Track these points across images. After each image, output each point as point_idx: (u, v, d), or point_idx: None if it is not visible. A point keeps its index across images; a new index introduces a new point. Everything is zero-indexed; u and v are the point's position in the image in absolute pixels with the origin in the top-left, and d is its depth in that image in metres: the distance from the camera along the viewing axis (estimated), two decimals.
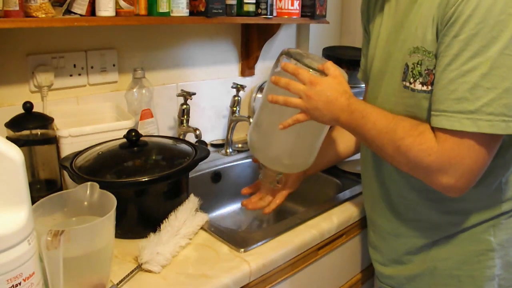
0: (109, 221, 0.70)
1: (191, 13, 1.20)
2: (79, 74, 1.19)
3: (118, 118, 1.17)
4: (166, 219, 0.88)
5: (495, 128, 0.68)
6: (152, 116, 1.23)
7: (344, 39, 1.93)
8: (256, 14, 1.35)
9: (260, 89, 1.61)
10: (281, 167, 1.03)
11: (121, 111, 1.18)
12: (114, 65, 1.25)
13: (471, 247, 0.84)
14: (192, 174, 1.07)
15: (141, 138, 0.97)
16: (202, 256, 0.86)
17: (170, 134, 1.39)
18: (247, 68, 1.60)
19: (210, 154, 1.03)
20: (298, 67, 0.88)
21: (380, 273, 1.00)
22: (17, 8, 0.88)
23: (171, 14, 1.15)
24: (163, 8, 1.12)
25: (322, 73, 0.87)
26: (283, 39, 1.70)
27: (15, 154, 0.57)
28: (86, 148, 0.99)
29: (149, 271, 0.79)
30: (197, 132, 1.26)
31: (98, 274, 0.72)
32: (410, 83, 0.79)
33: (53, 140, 1.00)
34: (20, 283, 0.57)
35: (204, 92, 1.47)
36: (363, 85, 1.46)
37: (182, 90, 1.31)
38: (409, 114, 0.80)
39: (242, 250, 0.87)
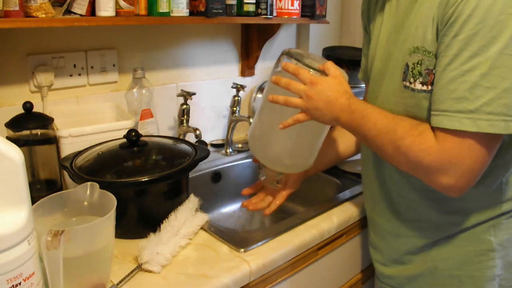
0: (109, 221, 0.70)
1: (191, 13, 1.20)
2: (79, 74, 1.19)
3: (118, 118, 1.17)
4: (166, 219, 0.88)
5: (495, 128, 0.68)
6: (152, 116, 1.23)
7: (344, 39, 1.93)
8: (256, 14, 1.35)
9: (260, 89, 1.60)
10: (282, 167, 1.03)
11: (121, 111, 1.18)
12: (114, 65, 1.25)
13: (472, 247, 0.84)
14: (192, 174, 1.07)
15: (141, 138, 0.97)
16: (202, 256, 0.86)
17: (170, 134, 1.39)
18: (247, 68, 1.59)
19: (210, 154, 1.03)
20: (299, 67, 0.88)
21: (381, 273, 1.00)
22: (17, 8, 0.88)
23: (171, 14, 1.15)
24: (163, 8, 1.11)
25: (323, 73, 0.87)
26: (283, 39, 1.70)
27: (15, 154, 0.57)
28: (86, 148, 0.99)
29: (149, 271, 0.79)
30: (197, 132, 1.26)
31: (98, 274, 0.72)
32: (410, 83, 0.79)
33: (53, 140, 1.00)
34: (20, 283, 0.57)
35: (204, 92, 1.47)
36: (363, 85, 1.46)
37: (182, 90, 1.31)
38: (409, 114, 0.80)
39: (242, 250, 0.87)
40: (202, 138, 1.27)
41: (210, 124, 1.53)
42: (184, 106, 1.31)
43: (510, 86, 0.67)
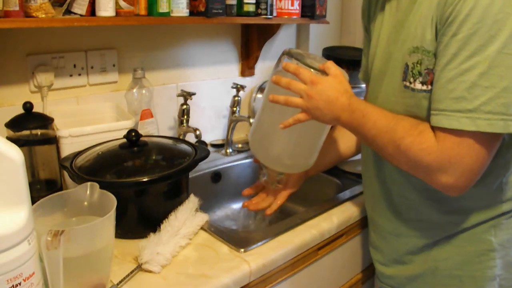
0: (109, 221, 0.70)
1: (191, 13, 1.20)
2: (79, 74, 1.19)
3: (118, 118, 1.17)
4: (166, 219, 0.88)
5: (494, 127, 0.68)
6: (152, 116, 1.23)
7: (344, 39, 1.93)
8: (256, 14, 1.35)
9: (260, 89, 1.60)
10: (282, 167, 1.03)
11: (121, 111, 1.18)
12: (114, 65, 1.25)
13: (472, 247, 0.84)
14: (192, 174, 1.07)
15: (141, 138, 0.97)
16: (202, 256, 0.86)
17: (170, 134, 1.39)
18: (247, 68, 1.59)
19: (210, 154, 1.03)
20: (299, 66, 0.88)
21: (381, 273, 1.00)
22: (17, 8, 0.88)
23: (171, 14, 1.15)
24: (163, 8, 1.11)
25: (323, 72, 0.87)
26: (283, 39, 1.70)
27: (15, 154, 0.57)
28: (86, 148, 0.99)
29: (149, 271, 0.79)
30: (197, 132, 1.26)
31: (98, 274, 0.72)
32: (410, 83, 0.79)
33: (53, 140, 1.00)
34: (20, 283, 0.57)
35: (204, 92, 1.47)
36: (363, 85, 1.46)
37: (182, 90, 1.31)
38: (409, 113, 0.80)
39: (242, 250, 0.87)
40: (202, 138, 1.27)
41: (210, 124, 1.53)
42: (184, 106, 1.31)
43: (509, 85, 0.67)
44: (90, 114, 1.17)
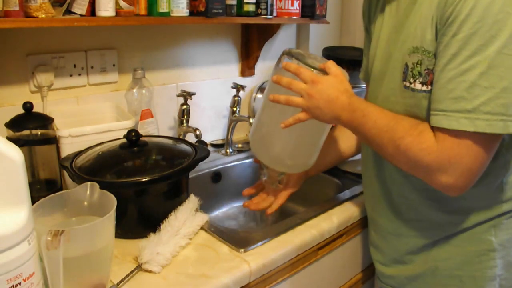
0: (109, 221, 0.70)
1: (191, 13, 1.20)
2: (79, 74, 1.19)
3: (118, 118, 1.17)
4: (166, 219, 0.88)
5: (493, 128, 0.68)
6: (152, 116, 1.23)
7: (344, 39, 1.93)
8: (256, 14, 1.34)
9: (260, 89, 1.60)
10: (283, 167, 1.03)
11: (121, 111, 1.18)
12: (114, 65, 1.24)
13: (472, 247, 0.84)
14: (192, 174, 1.07)
15: (141, 138, 0.97)
16: (202, 256, 0.86)
17: (170, 134, 1.39)
18: (247, 68, 1.59)
19: (210, 154, 1.03)
20: (300, 66, 0.88)
21: (381, 273, 1.00)
22: (17, 8, 0.88)
23: (171, 14, 1.15)
24: (163, 8, 1.11)
25: (324, 72, 0.87)
26: (283, 39, 1.70)
27: (15, 154, 0.57)
28: (86, 148, 0.99)
29: (149, 271, 0.79)
30: (197, 132, 1.26)
31: (98, 274, 0.72)
32: (410, 83, 0.79)
33: (53, 140, 1.00)
34: (20, 283, 0.57)
35: (204, 92, 1.47)
36: (363, 85, 1.46)
37: (182, 90, 1.31)
38: (409, 113, 0.80)
39: (242, 250, 0.87)
40: (202, 138, 1.27)
41: (210, 124, 1.53)
42: (184, 106, 1.31)
43: (508, 85, 0.67)
44: (90, 114, 1.17)
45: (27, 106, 0.98)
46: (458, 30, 0.69)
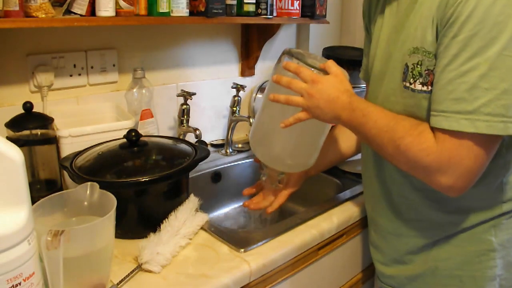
0: (109, 221, 0.70)
1: (191, 13, 1.20)
2: (79, 74, 1.19)
3: (118, 118, 1.17)
4: (166, 219, 0.88)
5: (493, 129, 0.68)
6: (152, 116, 1.23)
7: (344, 39, 1.93)
8: (256, 14, 1.34)
9: (260, 89, 1.60)
10: (283, 166, 1.03)
11: (121, 111, 1.18)
12: (114, 65, 1.24)
13: (472, 247, 0.84)
14: (192, 174, 1.07)
15: (141, 138, 0.97)
16: (202, 256, 0.86)
17: (170, 134, 1.39)
18: (247, 68, 1.59)
19: (210, 154, 1.03)
20: (300, 66, 0.88)
21: (381, 273, 1.00)
22: (17, 8, 0.88)
23: (171, 14, 1.15)
24: (163, 8, 1.11)
25: (324, 72, 0.87)
26: (283, 39, 1.70)
27: (15, 154, 0.57)
28: (86, 148, 0.99)
29: (149, 271, 0.79)
30: (197, 132, 1.26)
31: (98, 274, 0.72)
32: (410, 84, 0.79)
33: (53, 140, 1.00)
34: (20, 283, 0.57)
35: (204, 92, 1.47)
36: (363, 85, 1.46)
37: (182, 90, 1.31)
38: (409, 114, 0.80)
39: (242, 250, 0.87)
40: (202, 138, 1.27)
41: (210, 124, 1.53)
42: (184, 106, 1.31)
43: (509, 87, 0.67)
44: (90, 114, 1.17)
45: (27, 106, 0.98)
46: (459, 31, 0.69)
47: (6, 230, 0.55)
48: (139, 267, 0.79)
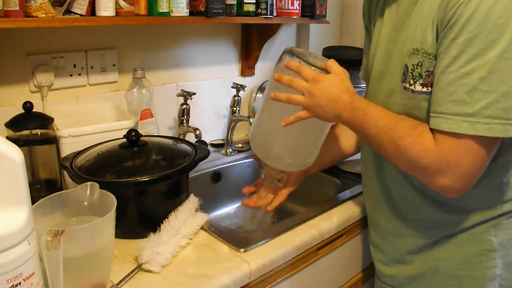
0: (109, 221, 0.70)
1: (191, 13, 1.20)
2: (79, 74, 1.19)
3: (118, 118, 1.17)
4: (166, 219, 0.88)
5: (493, 131, 0.68)
6: (152, 116, 1.23)
7: (344, 39, 1.93)
8: (256, 14, 1.34)
9: (260, 89, 1.60)
10: (283, 165, 1.03)
11: (121, 111, 1.18)
12: (114, 65, 1.24)
13: (473, 247, 0.84)
14: (192, 174, 1.07)
15: (141, 138, 0.97)
16: (202, 256, 0.86)
17: (170, 134, 1.39)
18: (247, 68, 1.59)
19: (210, 154, 1.03)
20: (301, 64, 0.88)
21: (382, 273, 1.00)
22: (17, 8, 0.88)
23: (171, 14, 1.15)
24: (163, 8, 1.11)
25: (325, 71, 0.87)
26: (283, 39, 1.70)
27: (15, 154, 0.57)
28: (86, 148, 0.99)
29: (149, 271, 0.79)
30: (197, 132, 1.26)
31: (98, 274, 0.72)
32: (410, 85, 0.79)
33: (53, 140, 1.00)
34: (20, 283, 0.57)
35: (204, 92, 1.47)
36: (363, 85, 1.46)
37: (182, 90, 1.31)
38: (409, 115, 0.80)
39: (242, 250, 0.87)
40: (202, 138, 1.27)
41: (210, 124, 1.53)
42: (184, 106, 1.31)
43: (509, 90, 0.67)
44: (90, 114, 1.17)
45: (27, 106, 0.98)
46: (459, 33, 0.69)
47: (6, 230, 0.55)
48: (139, 267, 0.79)
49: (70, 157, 0.94)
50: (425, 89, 0.77)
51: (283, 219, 1.02)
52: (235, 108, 1.42)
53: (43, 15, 0.92)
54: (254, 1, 1.33)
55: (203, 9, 1.18)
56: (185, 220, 0.90)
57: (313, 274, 1.02)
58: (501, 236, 0.83)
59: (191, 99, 1.31)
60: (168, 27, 1.34)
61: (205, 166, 1.33)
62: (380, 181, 0.93)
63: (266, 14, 1.36)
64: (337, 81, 0.85)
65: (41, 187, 1.02)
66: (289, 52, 0.93)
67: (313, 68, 0.88)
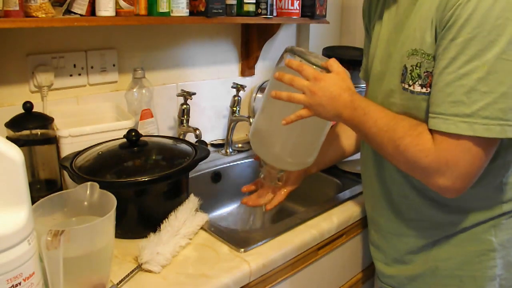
0: (109, 221, 0.70)
1: (191, 13, 1.20)
2: (79, 74, 1.19)
3: (118, 118, 1.17)
4: (166, 219, 0.88)
5: (491, 132, 0.68)
6: (152, 116, 1.23)
7: (344, 39, 1.93)
8: (256, 14, 1.35)
9: (260, 89, 1.61)
10: (283, 164, 1.03)
11: (121, 111, 1.18)
12: (114, 65, 1.24)
13: (472, 247, 0.84)
14: (192, 174, 1.07)
15: (141, 138, 0.97)
16: (202, 256, 0.86)
17: (170, 134, 1.39)
18: (247, 68, 1.59)
19: (210, 154, 1.03)
20: (302, 63, 0.88)
21: (382, 273, 1.00)
22: (17, 8, 0.88)
23: (171, 14, 1.15)
24: (163, 8, 1.11)
25: (326, 70, 0.87)
26: (283, 39, 1.70)
27: (15, 154, 0.57)
28: (86, 148, 0.99)
29: (149, 271, 0.79)
30: (197, 132, 1.26)
31: (98, 274, 0.72)
32: (409, 85, 0.79)
33: (53, 140, 1.00)
34: (20, 283, 0.57)
35: (204, 92, 1.47)
36: (363, 85, 1.46)
37: (182, 90, 1.31)
38: (408, 115, 0.80)
39: (242, 250, 0.87)
40: (202, 138, 1.27)
41: (210, 124, 1.53)
42: (184, 106, 1.31)
43: (507, 91, 0.67)
44: (90, 114, 1.17)
45: (27, 106, 0.98)
46: (457, 34, 0.69)
47: (6, 230, 0.55)
48: (139, 267, 0.79)
49: (70, 157, 0.94)
50: (424, 90, 0.77)
51: (283, 219, 1.01)
52: (235, 108, 1.42)
53: (43, 15, 0.92)
54: (254, 1, 1.33)
55: (203, 9, 1.18)
56: (185, 220, 0.90)
57: (313, 274, 1.02)
58: (501, 236, 0.83)
59: (191, 99, 1.31)
60: (168, 27, 1.34)
61: (205, 166, 1.33)
62: (380, 180, 0.93)
63: (266, 14, 1.36)
64: (338, 80, 0.85)
65: (41, 187, 1.02)
66: (290, 51, 0.94)
67: (314, 67, 0.88)
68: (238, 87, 1.41)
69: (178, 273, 0.80)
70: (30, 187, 0.60)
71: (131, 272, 0.78)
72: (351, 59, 1.53)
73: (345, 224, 1.06)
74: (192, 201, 0.95)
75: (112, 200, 0.74)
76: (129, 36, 1.27)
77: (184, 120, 1.31)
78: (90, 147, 0.99)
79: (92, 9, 1.01)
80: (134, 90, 1.21)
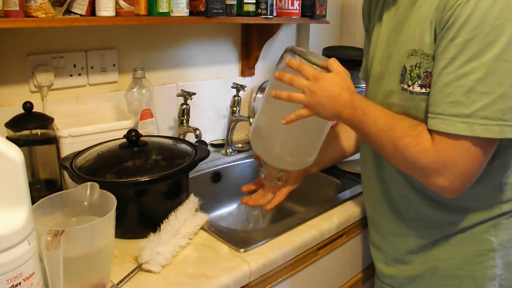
0: (109, 221, 0.70)
1: (191, 13, 1.20)
2: (79, 74, 1.19)
3: (118, 118, 1.17)
4: (166, 219, 0.88)
5: (490, 132, 0.68)
6: (152, 116, 1.23)
7: (344, 39, 1.93)
8: (256, 14, 1.35)
9: (260, 89, 1.61)
10: (283, 164, 1.03)
11: (121, 111, 1.18)
12: (114, 65, 1.24)
13: (472, 247, 0.84)
14: (192, 174, 1.07)
15: (141, 138, 0.97)
16: (202, 256, 0.86)
17: (170, 134, 1.39)
18: (247, 68, 1.59)
19: (210, 154, 1.03)
20: (302, 63, 0.88)
21: (382, 273, 1.00)
22: (17, 8, 0.88)
23: (171, 14, 1.15)
24: (163, 8, 1.11)
25: (326, 69, 0.88)
26: (283, 39, 1.70)
27: (15, 154, 0.57)
28: (86, 148, 0.99)
29: (149, 271, 0.79)
30: (197, 132, 1.26)
31: (98, 274, 0.72)
32: (409, 86, 0.79)
33: (53, 140, 1.00)
34: (20, 283, 0.57)
35: (204, 92, 1.47)
36: (363, 85, 1.46)
37: (182, 90, 1.31)
38: (408, 115, 0.80)
39: (242, 250, 0.87)
40: (202, 138, 1.27)
41: (210, 124, 1.53)
42: (184, 106, 1.31)
43: (505, 91, 0.67)
44: (90, 114, 1.17)
45: (27, 106, 0.98)
46: (456, 34, 0.69)
47: (6, 230, 0.55)
48: (139, 267, 0.79)
49: (70, 157, 0.94)
50: (423, 90, 0.77)
51: (283, 219, 1.01)
52: (235, 108, 1.42)
53: (43, 15, 0.92)
54: (254, 1, 1.33)
55: (203, 9, 1.18)
56: (185, 220, 0.90)
57: (313, 274, 1.02)
58: (501, 236, 0.83)
59: (191, 99, 1.31)
60: (168, 27, 1.34)
61: (205, 166, 1.33)
62: (380, 180, 0.93)
63: (266, 14, 1.36)
64: (338, 79, 0.85)
65: (41, 187, 1.02)
66: (290, 50, 0.94)
67: (314, 66, 0.88)
68: (238, 87, 1.41)
69: (178, 273, 0.80)
70: (30, 187, 0.60)
71: (131, 272, 0.78)
72: (351, 59, 1.53)
73: (345, 224, 1.06)
74: (192, 201, 0.95)
75: (112, 200, 0.74)
76: (129, 36, 1.27)
77: (184, 120, 1.31)
78: (90, 147, 0.99)
79: (92, 9, 1.01)
80: (134, 90, 1.21)
